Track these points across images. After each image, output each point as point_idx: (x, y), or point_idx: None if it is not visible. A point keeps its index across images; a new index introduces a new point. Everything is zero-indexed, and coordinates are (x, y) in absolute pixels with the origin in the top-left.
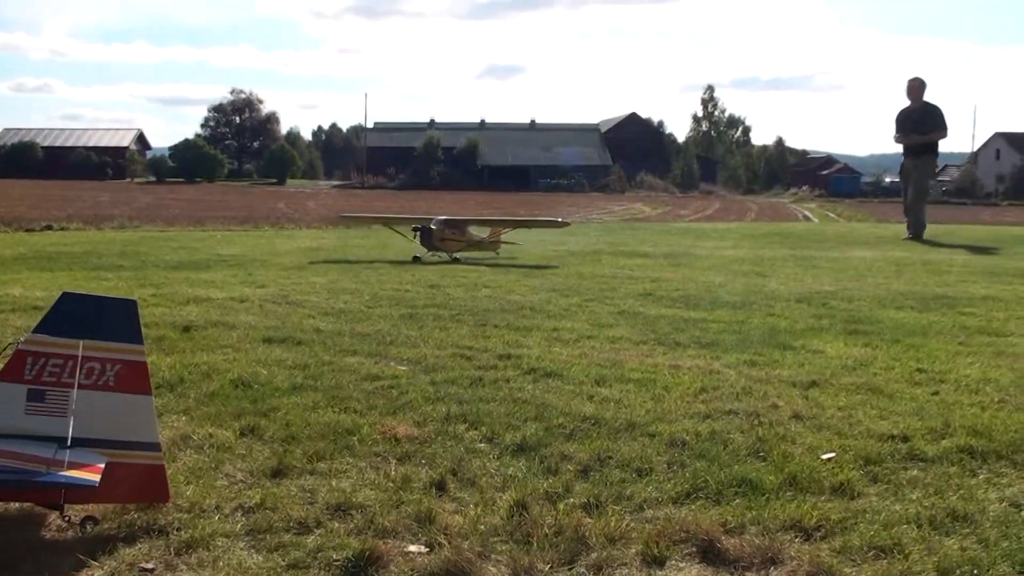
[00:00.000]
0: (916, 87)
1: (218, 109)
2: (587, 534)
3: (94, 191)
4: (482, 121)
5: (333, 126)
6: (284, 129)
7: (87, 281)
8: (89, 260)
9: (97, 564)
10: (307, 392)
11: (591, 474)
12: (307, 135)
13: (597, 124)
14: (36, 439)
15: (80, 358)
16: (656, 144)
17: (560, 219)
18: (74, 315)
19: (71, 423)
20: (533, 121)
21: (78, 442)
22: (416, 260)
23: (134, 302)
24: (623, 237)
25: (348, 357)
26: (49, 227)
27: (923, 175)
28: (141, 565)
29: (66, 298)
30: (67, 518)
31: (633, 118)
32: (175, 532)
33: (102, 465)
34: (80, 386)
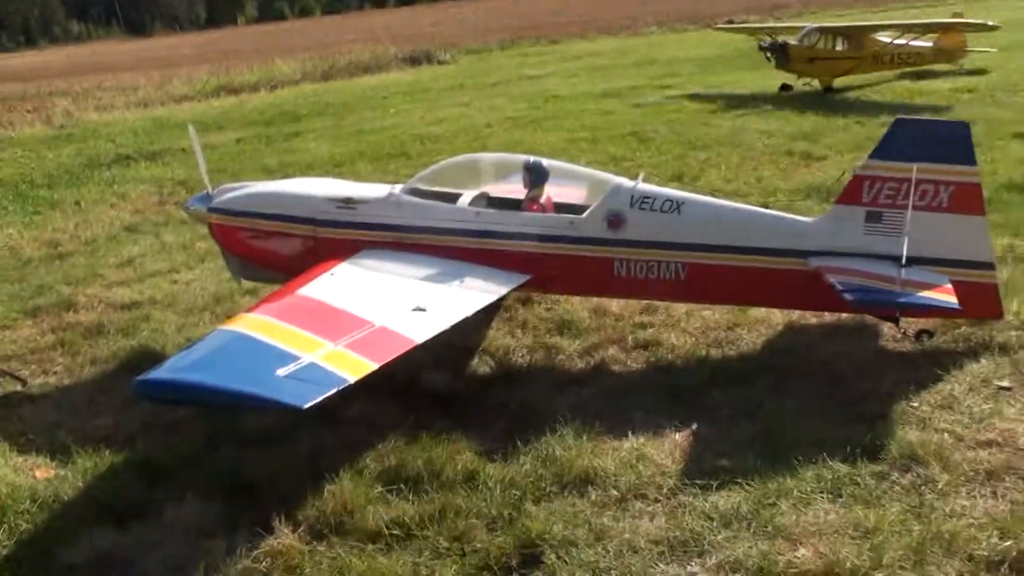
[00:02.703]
0: None
1: None
2: None
3: None
4: None
5: None
6: None
7: None
8: None
9: (951, 377)
10: None
11: None
12: None
13: None
14: (874, 257)
15: (914, 181)
16: None
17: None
18: (907, 139)
19: (906, 242)
20: None
21: (912, 261)
22: (785, 90)
23: (966, 124)
24: None
25: None
26: (731, 21)
27: None
28: (997, 382)
29: (899, 123)
30: (903, 330)
31: None
32: (1018, 350)
33: (949, 285)
34: (914, 207)
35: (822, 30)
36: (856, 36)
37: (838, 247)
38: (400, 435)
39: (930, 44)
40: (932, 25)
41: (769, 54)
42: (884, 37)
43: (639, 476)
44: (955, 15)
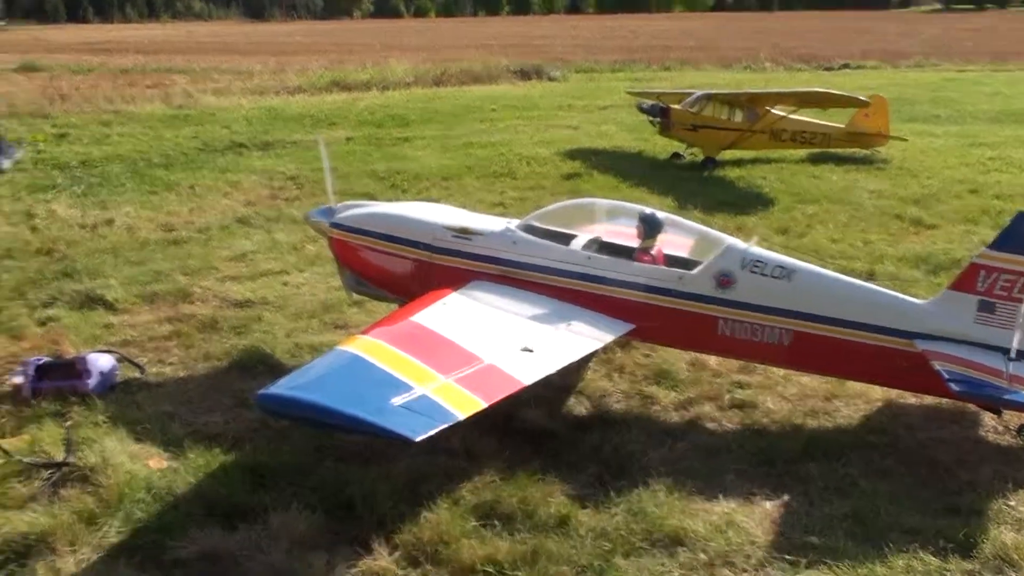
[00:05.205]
0: None
1: None
2: None
3: (878, 21)
4: None
5: None
6: None
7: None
8: (903, 109)
9: None
10: None
11: None
12: None
13: None
14: (982, 347)
15: None
16: None
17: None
18: None
19: (1017, 337)
20: None
21: (1022, 355)
22: (676, 158)
23: None
24: None
25: None
26: (846, 65)
27: None
28: None
29: (1021, 217)
30: (1005, 423)
31: None
32: None
33: None
34: None
35: (710, 97)
36: (752, 107)
37: (947, 332)
38: (496, 470)
39: (840, 126)
40: (803, 95)
41: (651, 118)
42: (788, 112)
43: (728, 542)
44: (872, 95)
